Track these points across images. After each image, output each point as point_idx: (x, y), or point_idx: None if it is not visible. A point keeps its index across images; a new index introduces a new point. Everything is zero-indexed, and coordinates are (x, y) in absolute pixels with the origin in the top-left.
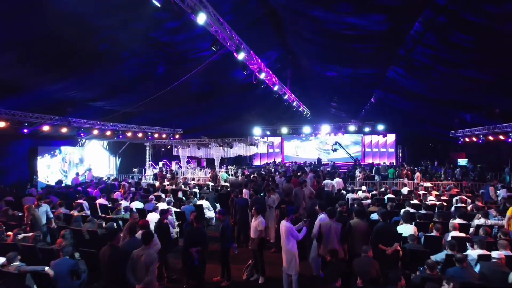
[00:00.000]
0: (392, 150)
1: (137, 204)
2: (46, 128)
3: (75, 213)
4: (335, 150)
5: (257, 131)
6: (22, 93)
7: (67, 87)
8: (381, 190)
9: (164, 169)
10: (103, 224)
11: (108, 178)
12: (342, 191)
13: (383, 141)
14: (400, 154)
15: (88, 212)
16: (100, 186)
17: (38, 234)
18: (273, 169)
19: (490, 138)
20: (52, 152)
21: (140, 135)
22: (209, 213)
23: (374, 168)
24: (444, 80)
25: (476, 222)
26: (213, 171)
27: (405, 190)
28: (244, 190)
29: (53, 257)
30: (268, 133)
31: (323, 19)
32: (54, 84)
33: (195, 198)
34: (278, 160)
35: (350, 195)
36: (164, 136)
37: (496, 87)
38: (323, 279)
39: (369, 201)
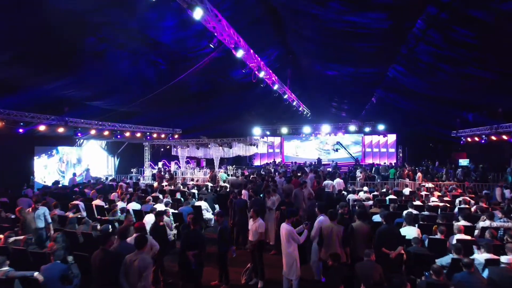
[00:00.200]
0: (392, 150)
1: (134, 205)
2: (42, 128)
3: (70, 214)
4: (336, 150)
5: (257, 131)
6: (17, 92)
7: (63, 86)
8: (382, 190)
9: (163, 170)
10: (98, 227)
11: (106, 178)
12: (343, 192)
13: (384, 141)
14: (401, 154)
15: (84, 214)
16: (98, 186)
17: (30, 237)
18: (273, 170)
19: (493, 138)
20: (49, 152)
21: (138, 135)
22: (208, 215)
23: (374, 168)
24: (446, 79)
25: (481, 224)
26: (212, 171)
27: (406, 191)
28: (243, 191)
29: (45, 261)
30: (268, 133)
31: (323, 18)
32: (50, 83)
33: (194, 199)
34: (278, 160)
35: (351, 196)
36: (163, 136)
37: (500, 86)
38: (325, 284)
39: (370, 202)
